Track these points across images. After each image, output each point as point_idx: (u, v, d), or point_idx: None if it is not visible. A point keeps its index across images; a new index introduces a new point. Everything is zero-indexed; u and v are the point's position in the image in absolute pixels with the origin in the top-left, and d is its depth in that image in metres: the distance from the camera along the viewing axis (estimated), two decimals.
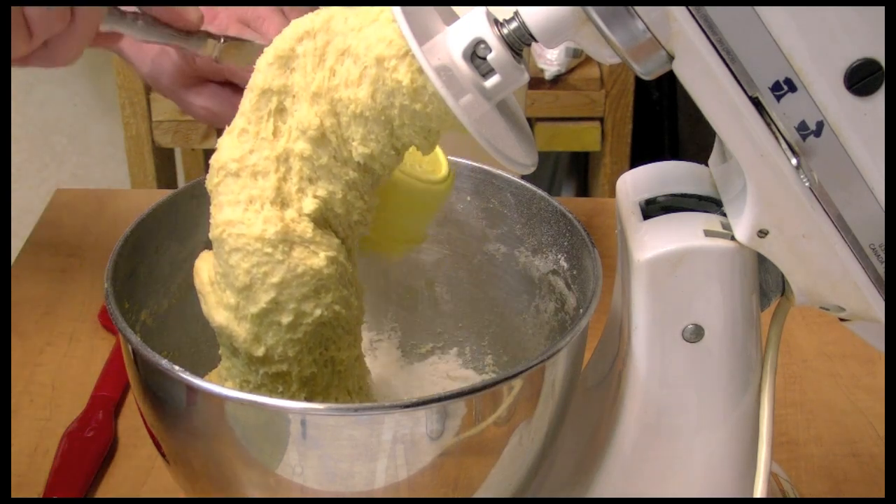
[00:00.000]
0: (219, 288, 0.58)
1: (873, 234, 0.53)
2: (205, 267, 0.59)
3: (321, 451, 0.53)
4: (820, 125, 0.51)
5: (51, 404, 0.82)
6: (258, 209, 0.56)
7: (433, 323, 0.75)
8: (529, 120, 1.59)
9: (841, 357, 0.89)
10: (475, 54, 0.53)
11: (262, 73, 0.56)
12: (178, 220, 0.66)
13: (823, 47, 0.49)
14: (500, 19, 0.53)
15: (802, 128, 0.51)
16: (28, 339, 0.89)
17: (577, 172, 2.03)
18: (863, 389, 0.85)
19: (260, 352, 0.57)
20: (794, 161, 0.51)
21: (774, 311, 0.60)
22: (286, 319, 0.57)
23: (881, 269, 0.54)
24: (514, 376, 0.54)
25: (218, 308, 0.58)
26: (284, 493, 0.55)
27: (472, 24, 0.53)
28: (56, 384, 0.84)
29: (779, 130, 0.51)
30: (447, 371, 0.74)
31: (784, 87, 0.50)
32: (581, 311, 0.59)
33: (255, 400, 0.53)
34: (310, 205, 0.56)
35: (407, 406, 0.53)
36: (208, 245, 0.67)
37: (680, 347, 0.58)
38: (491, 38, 0.52)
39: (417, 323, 0.75)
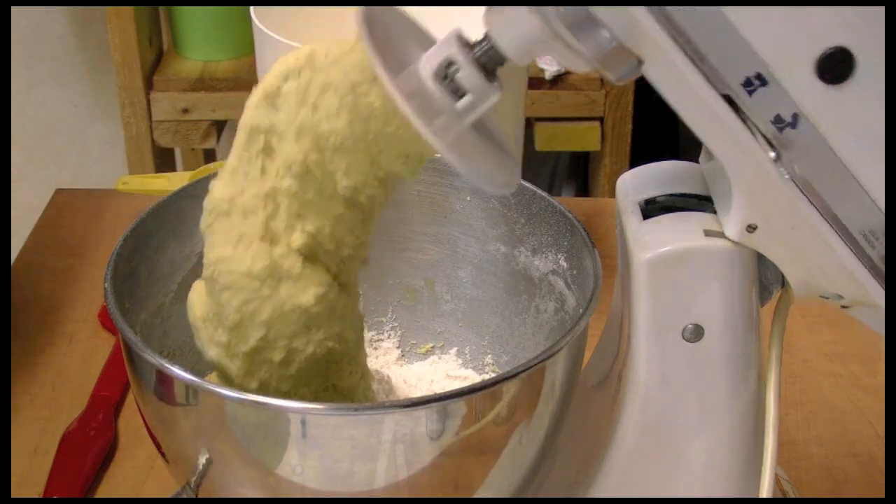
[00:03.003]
0: (210, 325, 0.58)
1: (863, 221, 0.53)
2: (197, 301, 0.59)
3: (321, 451, 0.53)
4: (796, 117, 0.50)
5: (51, 404, 0.82)
6: (247, 246, 0.56)
7: (433, 323, 0.75)
8: (529, 120, 1.59)
9: (841, 357, 0.89)
10: (447, 76, 0.52)
11: (250, 112, 0.56)
12: (178, 220, 0.66)
13: (791, 39, 0.49)
14: (473, 41, 0.52)
15: (778, 121, 0.50)
16: (28, 339, 0.89)
17: (577, 172, 2.03)
18: (863, 389, 0.85)
19: (254, 385, 0.57)
20: (772, 155, 0.51)
21: (777, 304, 0.60)
22: (278, 356, 0.57)
23: (874, 254, 0.53)
24: (514, 376, 0.54)
25: (210, 344, 0.58)
26: (284, 493, 0.55)
27: (443, 46, 0.52)
28: (56, 384, 0.84)
29: (755, 125, 0.51)
30: (447, 371, 0.74)
31: (755, 82, 0.50)
32: (581, 311, 0.59)
33: (255, 400, 0.53)
34: (298, 239, 0.56)
35: (407, 406, 0.54)
36: None
37: (680, 347, 0.58)
38: (461, 58, 0.52)
39: (417, 323, 0.75)
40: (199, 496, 0.59)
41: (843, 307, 0.58)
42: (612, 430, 0.61)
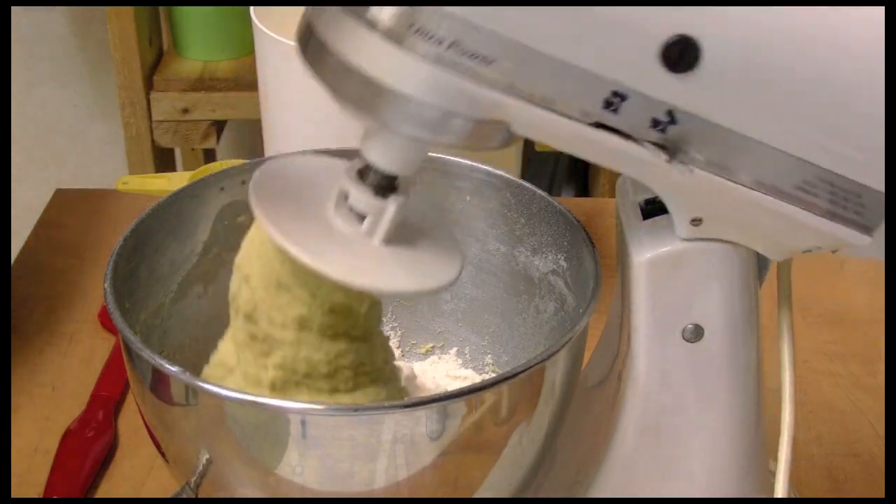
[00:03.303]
0: None
1: (792, 176, 0.51)
2: None
3: (321, 451, 0.53)
4: (671, 114, 0.49)
5: (51, 404, 0.82)
6: None
7: (433, 323, 0.75)
8: None
9: (841, 357, 0.89)
10: (347, 206, 0.55)
11: (231, 285, 0.59)
12: (178, 221, 0.66)
13: (625, 46, 0.47)
14: (365, 166, 0.54)
15: (656, 124, 0.49)
16: (28, 339, 0.89)
17: (577, 172, 2.03)
18: (863, 389, 0.85)
19: None
20: (664, 157, 0.50)
21: (777, 270, 0.59)
22: None
23: (820, 202, 0.52)
24: (514, 376, 0.54)
25: None
26: (284, 493, 0.55)
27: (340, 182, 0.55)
28: (56, 384, 0.84)
29: (638, 137, 0.50)
30: (447, 371, 0.74)
31: (615, 101, 0.49)
32: (581, 311, 0.59)
33: (255, 400, 0.53)
34: (268, 376, 0.57)
35: (407, 406, 0.53)
36: (208, 245, 0.67)
37: (680, 347, 0.58)
38: (352, 187, 0.54)
39: (417, 323, 0.75)
40: (199, 496, 0.59)
41: (833, 251, 0.56)
42: (612, 430, 0.61)
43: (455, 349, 0.75)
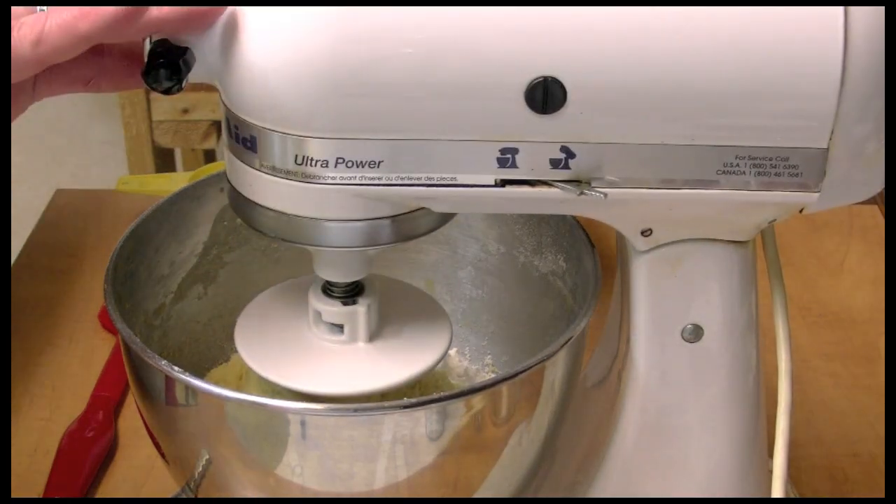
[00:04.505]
0: None
1: (710, 163, 0.51)
2: None
3: (321, 451, 0.53)
4: (566, 149, 0.50)
5: (51, 404, 0.83)
6: None
7: None
8: None
9: (841, 357, 0.89)
10: (326, 323, 0.59)
11: None
12: (178, 221, 0.66)
13: (488, 106, 0.49)
14: (325, 283, 0.59)
15: (556, 164, 0.50)
16: (28, 339, 0.89)
17: None
18: (863, 389, 0.85)
19: None
20: (575, 192, 0.51)
21: (763, 235, 0.59)
22: None
23: (748, 178, 0.51)
24: (514, 376, 0.54)
25: None
26: (284, 493, 0.55)
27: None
28: (56, 384, 0.84)
29: (546, 180, 0.51)
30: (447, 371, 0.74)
31: (507, 157, 0.50)
32: (581, 311, 0.59)
33: (255, 400, 0.53)
34: None
35: (406, 406, 0.53)
36: (208, 245, 0.67)
37: (679, 347, 0.58)
38: (320, 305, 0.59)
39: None
40: (199, 496, 0.59)
41: (800, 211, 0.56)
42: (612, 430, 0.61)
43: (455, 349, 0.74)
